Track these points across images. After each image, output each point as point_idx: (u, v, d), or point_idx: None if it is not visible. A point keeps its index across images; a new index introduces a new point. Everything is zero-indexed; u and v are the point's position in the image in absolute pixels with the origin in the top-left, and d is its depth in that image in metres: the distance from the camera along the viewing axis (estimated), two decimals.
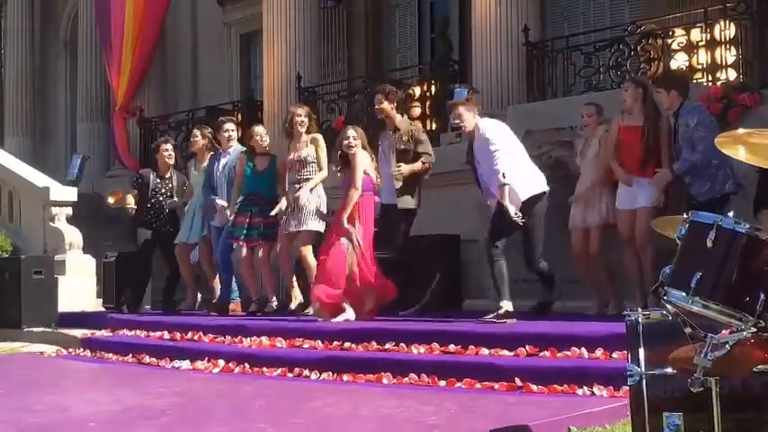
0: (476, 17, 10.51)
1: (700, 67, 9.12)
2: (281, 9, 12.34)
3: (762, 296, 3.06)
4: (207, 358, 7.27)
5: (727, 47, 8.92)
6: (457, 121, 7.46)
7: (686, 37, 9.24)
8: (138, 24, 14.86)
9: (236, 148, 9.31)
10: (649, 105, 7.49)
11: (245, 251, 8.95)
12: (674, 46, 9.31)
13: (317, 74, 12.57)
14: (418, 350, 6.52)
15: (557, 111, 9.15)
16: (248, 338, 7.57)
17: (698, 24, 9.15)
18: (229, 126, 9.42)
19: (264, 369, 6.84)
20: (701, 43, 9.11)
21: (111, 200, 10.98)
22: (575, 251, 7.92)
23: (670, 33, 9.36)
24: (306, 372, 6.60)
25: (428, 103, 11.34)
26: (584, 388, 5.34)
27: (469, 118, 7.34)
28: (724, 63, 8.95)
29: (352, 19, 14.20)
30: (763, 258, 3.11)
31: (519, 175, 7.17)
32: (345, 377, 6.37)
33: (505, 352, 6.15)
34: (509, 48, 10.16)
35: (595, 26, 11.20)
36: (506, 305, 7.09)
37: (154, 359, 7.74)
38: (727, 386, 3.19)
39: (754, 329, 3.11)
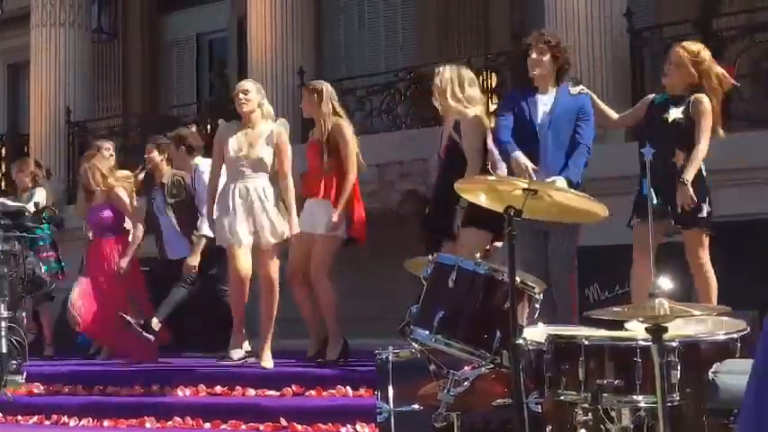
0: (252, 57, 10.54)
1: None
2: (50, 40, 11.89)
3: (498, 333, 3.22)
4: None
5: (490, 95, 9.38)
6: None
7: None
8: None
9: None
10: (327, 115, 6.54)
11: None
12: None
13: (89, 108, 12.17)
14: (184, 392, 6.38)
15: None
16: None
17: None
18: None
19: (19, 417, 6.50)
20: None
21: None
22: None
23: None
24: (65, 419, 6.34)
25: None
26: (348, 426, 5.42)
27: None
28: (488, 111, 9.39)
29: (128, 54, 13.87)
30: (499, 297, 3.28)
31: None
32: (106, 423, 6.18)
33: (272, 392, 6.14)
34: (284, 89, 10.23)
35: (371, 70, 11.50)
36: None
37: None
38: (468, 420, 3.33)
39: (491, 365, 3.27)
